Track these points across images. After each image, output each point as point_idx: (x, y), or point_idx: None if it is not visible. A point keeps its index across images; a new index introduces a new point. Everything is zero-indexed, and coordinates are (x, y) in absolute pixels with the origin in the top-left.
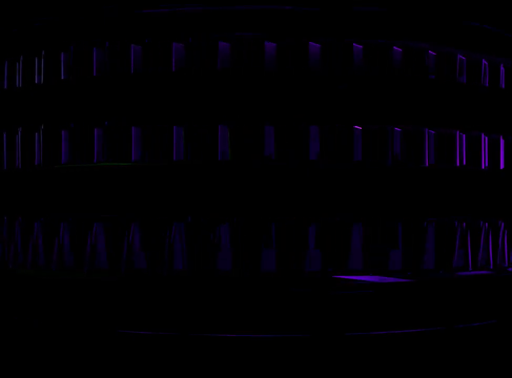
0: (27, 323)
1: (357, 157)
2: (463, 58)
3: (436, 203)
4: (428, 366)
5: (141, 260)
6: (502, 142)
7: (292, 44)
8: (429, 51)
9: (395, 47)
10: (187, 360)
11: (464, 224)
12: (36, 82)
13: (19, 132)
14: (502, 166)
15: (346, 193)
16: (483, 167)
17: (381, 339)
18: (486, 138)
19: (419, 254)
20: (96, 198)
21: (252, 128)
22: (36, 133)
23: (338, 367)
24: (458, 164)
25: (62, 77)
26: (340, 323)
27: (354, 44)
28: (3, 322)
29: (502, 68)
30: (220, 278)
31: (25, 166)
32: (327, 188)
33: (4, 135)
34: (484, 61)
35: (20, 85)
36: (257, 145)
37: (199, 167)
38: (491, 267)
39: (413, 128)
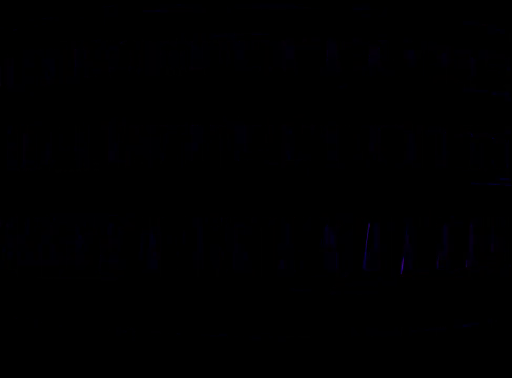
0: (27, 323)
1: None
2: (473, 59)
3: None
4: (428, 366)
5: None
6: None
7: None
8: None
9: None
10: (186, 360)
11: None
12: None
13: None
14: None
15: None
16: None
17: (381, 340)
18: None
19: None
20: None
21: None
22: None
23: (337, 368)
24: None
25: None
26: (340, 324)
27: (353, 44)
28: (3, 322)
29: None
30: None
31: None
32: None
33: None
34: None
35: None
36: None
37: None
38: (490, 267)
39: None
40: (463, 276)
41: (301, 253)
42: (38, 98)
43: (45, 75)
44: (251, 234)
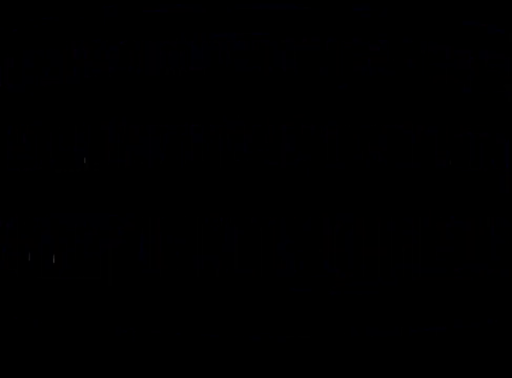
0: (27, 323)
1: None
2: (473, 59)
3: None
4: (428, 366)
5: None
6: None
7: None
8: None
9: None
10: (184, 360)
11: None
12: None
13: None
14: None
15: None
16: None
17: (381, 340)
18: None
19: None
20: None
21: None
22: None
23: (337, 368)
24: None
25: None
26: (340, 324)
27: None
28: (3, 322)
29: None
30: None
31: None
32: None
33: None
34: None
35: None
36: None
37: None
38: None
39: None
40: (463, 277)
41: (301, 253)
42: (38, 98)
43: (45, 75)
44: (251, 234)
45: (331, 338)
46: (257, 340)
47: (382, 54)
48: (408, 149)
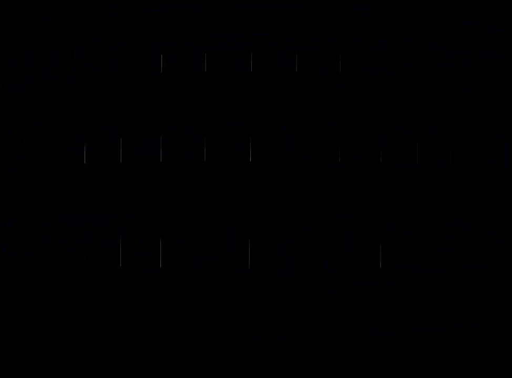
0: (27, 323)
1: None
2: (473, 59)
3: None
4: (428, 366)
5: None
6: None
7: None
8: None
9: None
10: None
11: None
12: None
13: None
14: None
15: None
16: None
17: (381, 340)
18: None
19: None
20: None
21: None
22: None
23: (337, 368)
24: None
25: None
26: (340, 324)
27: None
28: (3, 322)
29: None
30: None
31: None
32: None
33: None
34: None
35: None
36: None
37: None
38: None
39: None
40: (463, 277)
41: (301, 253)
42: (38, 98)
43: (45, 75)
44: (251, 234)
45: (331, 338)
46: (257, 340)
47: (382, 54)
48: (408, 149)
